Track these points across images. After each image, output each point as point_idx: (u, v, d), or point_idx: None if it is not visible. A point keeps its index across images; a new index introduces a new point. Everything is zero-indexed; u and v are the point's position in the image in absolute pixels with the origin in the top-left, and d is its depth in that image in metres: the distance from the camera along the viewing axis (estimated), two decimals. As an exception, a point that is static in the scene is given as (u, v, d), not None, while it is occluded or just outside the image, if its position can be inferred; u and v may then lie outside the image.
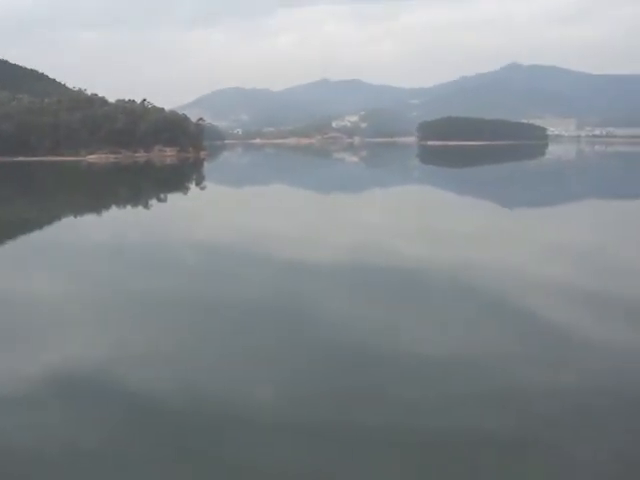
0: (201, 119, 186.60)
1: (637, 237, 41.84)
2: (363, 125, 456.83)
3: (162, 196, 72.52)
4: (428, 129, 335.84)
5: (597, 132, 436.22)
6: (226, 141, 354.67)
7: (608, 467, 12.65)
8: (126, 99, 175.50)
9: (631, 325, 21.80)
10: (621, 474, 12.49)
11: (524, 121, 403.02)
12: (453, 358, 18.41)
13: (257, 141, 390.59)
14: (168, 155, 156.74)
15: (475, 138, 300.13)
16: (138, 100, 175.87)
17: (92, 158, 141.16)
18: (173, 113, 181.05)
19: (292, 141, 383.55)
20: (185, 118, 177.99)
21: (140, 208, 62.76)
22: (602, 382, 16.87)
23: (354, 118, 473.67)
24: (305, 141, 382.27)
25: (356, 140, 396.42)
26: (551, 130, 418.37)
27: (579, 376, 17.20)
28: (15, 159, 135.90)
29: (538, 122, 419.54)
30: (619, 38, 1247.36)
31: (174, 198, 72.06)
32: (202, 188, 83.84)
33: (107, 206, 62.12)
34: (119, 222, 52.05)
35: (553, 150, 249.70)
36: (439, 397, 15.83)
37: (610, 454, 13.06)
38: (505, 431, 14.13)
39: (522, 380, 16.89)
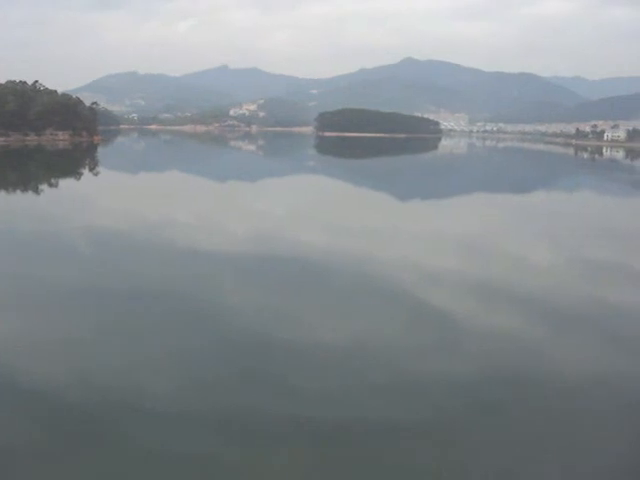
0: (95, 103, 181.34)
1: (517, 227, 44.08)
2: (261, 114, 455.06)
3: (53, 181, 70.48)
4: (326, 120, 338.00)
5: (488, 127, 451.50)
6: (121, 126, 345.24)
7: (505, 454, 13.43)
8: (17, 80, 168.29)
9: (506, 310, 23.25)
10: (518, 459, 13.34)
11: (419, 115, 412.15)
12: (351, 349, 18.88)
13: (153, 127, 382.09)
14: (60, 139, 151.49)
15: (372, 130, 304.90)
16: (30, 81, 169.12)
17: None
18: (66, 96, 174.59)
19: (189, 128, 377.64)
20: (78, 101, 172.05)
21: (30, 194, 60.68)
22: (497, 369, 17.82)
23: (252, 106, 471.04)
24: (202, 128, 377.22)
25: (254, 129, 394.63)
26: (444, 124, 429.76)
27: (475, 364, 17.97)
28: None
29: (432, 116, 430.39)
30: (510, 37, 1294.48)
31: (66, 184, 70.13)
32: (95, 174, 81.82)
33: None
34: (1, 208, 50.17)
35: (446, 144, 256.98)
36: (340, 387, 16.15)
37: (504, 443, 13.87)
38: (406, 420, 14.57)
39: (421, 369, 17.58)
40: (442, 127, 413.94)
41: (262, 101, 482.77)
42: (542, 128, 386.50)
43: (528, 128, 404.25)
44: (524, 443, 13.69)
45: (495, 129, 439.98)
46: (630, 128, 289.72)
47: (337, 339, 19.48)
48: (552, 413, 15.14)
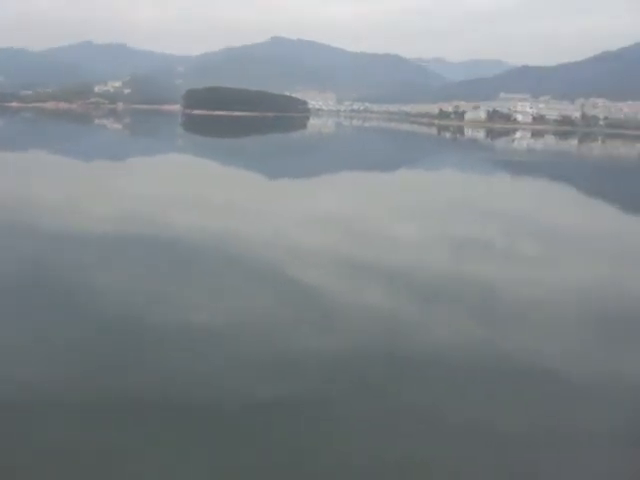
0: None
1: (383, 204, 44.79)
2: (127, 91, 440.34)
3: None
4: (194, 98, 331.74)
5: (355, 107, 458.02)
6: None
7: (377, 432, 13.36)
8: None
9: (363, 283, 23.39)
10: (392, 436, 13.25)
11: (287, 94, 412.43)
12: (222, 327, 18.59)
13: (14, 104, 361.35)
14: None
15: (240, 108, 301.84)
16: None
17: None
18: None
19: (51, 105, 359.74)
20: None
21: None
22: (371, 346, 17.79)
23: (117, 83, 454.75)
24: (65, 106, 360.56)
25: (119, 106, 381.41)
26: (313, 103, 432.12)
27: (350, 341, 17.95)
28: None
29: (301, 95, 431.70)
30: (378, 20, 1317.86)
31: None
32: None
33: None
34: None
35: (315, 123, 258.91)
36: (211, 367, 15.89)
37: (377, 419, 13.80)
38: (280, 397, 14.38)
39: (295, 345, 17.49)
40: (311, 106, 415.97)
41: (128, 78, 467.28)
42: (407, 108, 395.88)
43: (394, 108, 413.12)
44: (398, 418, 13.76)
45: (362, 109, 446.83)
46: (490, 109, 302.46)
47: (207, 319, 18.97)
48: (421, 385, 15.38)
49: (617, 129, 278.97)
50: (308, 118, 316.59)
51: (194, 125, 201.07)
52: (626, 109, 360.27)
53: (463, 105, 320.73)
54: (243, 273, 24.21)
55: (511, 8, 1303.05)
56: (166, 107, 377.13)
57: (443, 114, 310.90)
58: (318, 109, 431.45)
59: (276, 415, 13.43)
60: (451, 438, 13.08)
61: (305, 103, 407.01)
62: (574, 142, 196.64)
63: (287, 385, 14.99)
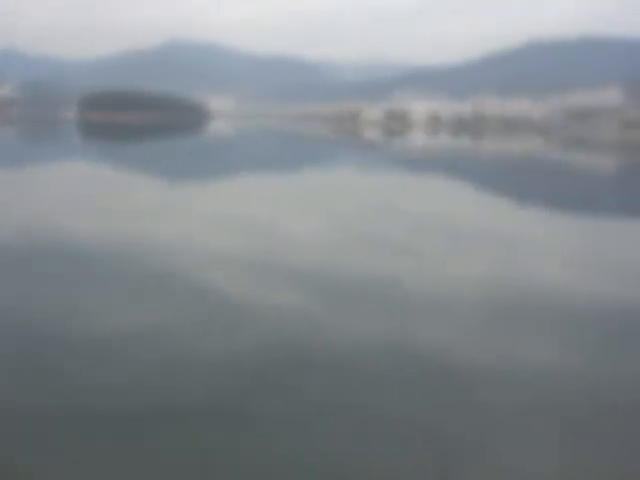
0: None
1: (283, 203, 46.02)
2: (19, 97, 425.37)
3: None
4: (90, 102, 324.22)
5: (255, 108, 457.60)
6: None
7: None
8: None
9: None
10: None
11: (187, 97, 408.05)
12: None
13: None
14: None
15: (139, 112, 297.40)
16: None
17: None
18: None
19: None
20: None
21: None
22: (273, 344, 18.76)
23: (7, 90, 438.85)
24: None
25: (12, 112, 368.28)
26: (213, 106, 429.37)
27: (252, 342, 18.97)
28: None
29: (200, 98, 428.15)
30: (278, 21, 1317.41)
31: None
32: None
33: None
34: None
35: (215, 126, 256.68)
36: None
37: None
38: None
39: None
40: (211, 109, 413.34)
41: (20, 83, 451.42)
42: (306, 109, 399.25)
43: (293, 109, 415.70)
44: (298, 417, 14.62)
45: (262, 110, 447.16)
46: (386, 109, 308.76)
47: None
48: (315, 379, 16.12)
49: (508, 126, 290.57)
50: (209, 121, 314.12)
51: (91, 131, 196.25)
52: (515, 106, 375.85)
53: (359, 105, 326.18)
54: (138, 277, 24.69)
55: (404, 8, 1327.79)
56: (61, 113, 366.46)
57: (340, 114, 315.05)
58: (218, 111, 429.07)
59: (178, 421, 13.67)
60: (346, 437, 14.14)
61: (205, 106, 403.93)
62: (468, 140, 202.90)
63: (189, 389, 15.54)
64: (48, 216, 37.91)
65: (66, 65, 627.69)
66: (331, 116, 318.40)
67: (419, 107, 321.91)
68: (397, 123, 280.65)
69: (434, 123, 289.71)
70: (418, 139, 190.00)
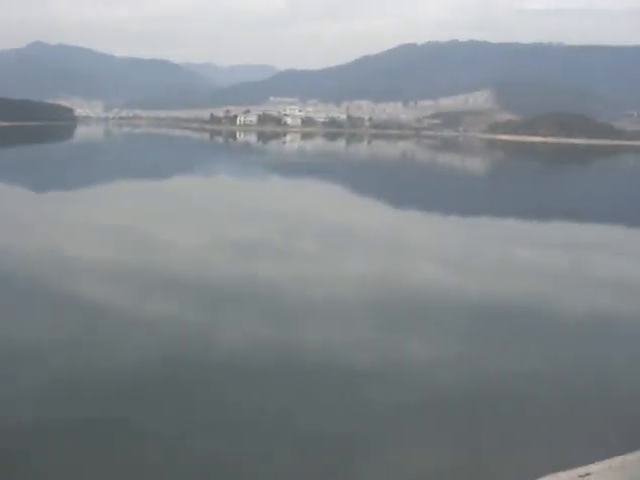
0: None
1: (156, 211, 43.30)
2: None
3: None
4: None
5: (124, 114, 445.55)
6: None
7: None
8: None
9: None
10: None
11: (52, 102, 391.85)
12: None
13: None
14: None
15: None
16: None
17: None
18: None
19: None
20: None
21: None
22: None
23: None
24: None
25: None
26: (79, 111, 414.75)
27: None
28: None
29: (66, 103, 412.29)
30: (145, 24, 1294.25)
31: None
32: None
33: None
34: None
35: (82, 131, 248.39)
36: None
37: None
38: None
39: None
40: (77, 114, 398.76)
41: None
42: (178, 114, 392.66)
43: (164, 114, 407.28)
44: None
45: (132, 115, 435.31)
46: (260, 113, 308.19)
47: None
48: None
49: (381, 129, 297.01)
50: (75, 126, 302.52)
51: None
52: (388, 110, 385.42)
53: (234, 109, 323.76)
54: None
55: (277, 12, 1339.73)
56: None
57: (215, 119, 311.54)
58: (85, 117, 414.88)
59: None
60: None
61: (71, 111, 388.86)
62: (342, 143, 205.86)
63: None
64: None
65: None
66: (206, 120, 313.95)
67: (294, 111, 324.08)
68: (273, 127, 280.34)
69: (309, 127, 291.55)
70: (294, 142, 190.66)
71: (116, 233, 35.79)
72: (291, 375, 16.86)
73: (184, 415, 14.21)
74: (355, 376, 16.62)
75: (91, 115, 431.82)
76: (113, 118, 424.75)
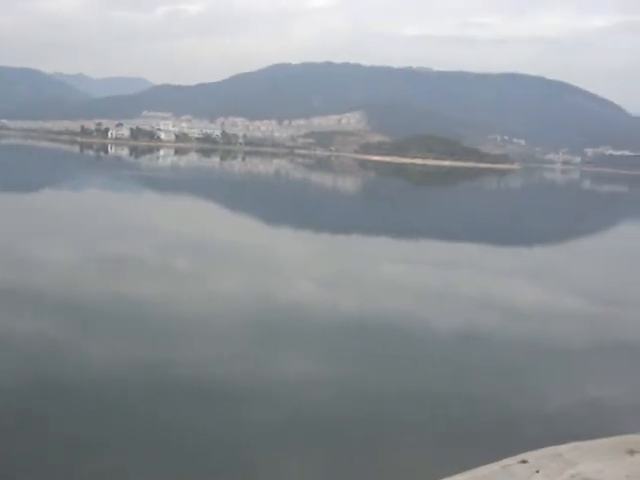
0: None
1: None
2: None
3: None
4: None
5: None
6: None
7: None
8: None
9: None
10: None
11: None
12: None
13: None
14: None
15: None
16: None
17: None
18: None
19: None
20: None
21: None
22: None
23: None
24: None
25: None
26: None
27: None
28: None
29: None
30: (11, 32, 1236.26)
31: None
32: None
33: None
34: None
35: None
36: None
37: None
38: None
39: None
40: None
41: None
42: (48, 125, 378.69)
43: (33, 125, 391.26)
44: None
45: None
46: (133, 127, 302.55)
47: None
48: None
49: (255, 146, 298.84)
50: None
51: None
52: (263, 127, 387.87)
53: (106, 122, 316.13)
54: None
55: (152, 26, 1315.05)
56: None
57: (86, 131, 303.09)
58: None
59: None
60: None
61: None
62: (216, 159, 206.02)
63: None
64: None
65: None
66: (76, 132, 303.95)
67: (167, 126, 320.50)
68: (146, 141, 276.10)
69: (183, 142, 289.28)
70: (167, 158, 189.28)
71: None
72: (153, 395, 17.47)
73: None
74: (219, 397, 17.50)
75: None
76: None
